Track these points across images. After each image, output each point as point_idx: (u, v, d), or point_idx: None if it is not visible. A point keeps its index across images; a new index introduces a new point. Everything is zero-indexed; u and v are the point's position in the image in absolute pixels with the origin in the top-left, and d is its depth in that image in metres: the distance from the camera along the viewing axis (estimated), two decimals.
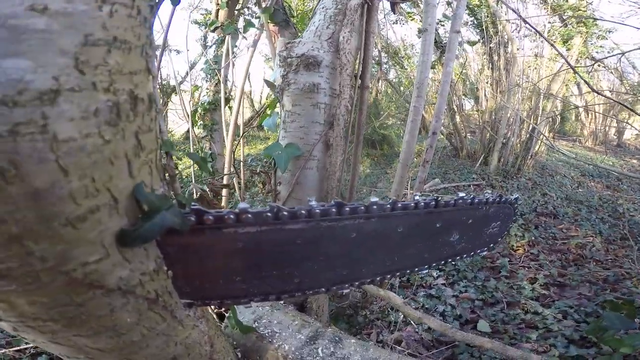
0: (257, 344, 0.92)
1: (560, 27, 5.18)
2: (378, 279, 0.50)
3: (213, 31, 2.17)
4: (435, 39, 3.86)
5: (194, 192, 0.94)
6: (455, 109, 6.12)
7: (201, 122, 2.51)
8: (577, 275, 2.50)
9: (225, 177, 1.54)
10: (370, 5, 1.01)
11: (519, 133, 5.04)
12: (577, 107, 6.65)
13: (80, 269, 0.32)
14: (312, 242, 0.42)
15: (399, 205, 0.45)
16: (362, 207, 0.43)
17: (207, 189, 1.00)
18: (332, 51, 0.95)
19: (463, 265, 2.65)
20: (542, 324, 2.01)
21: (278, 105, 1.03)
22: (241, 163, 1.45)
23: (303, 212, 0.41)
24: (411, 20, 6.63)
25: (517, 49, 5.02)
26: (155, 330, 0.42)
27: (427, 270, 0.55)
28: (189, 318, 0.47)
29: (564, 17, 5.01)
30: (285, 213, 0.40)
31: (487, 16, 5.17)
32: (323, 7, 1.01)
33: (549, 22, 5.31)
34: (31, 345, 1.39)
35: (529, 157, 5.02)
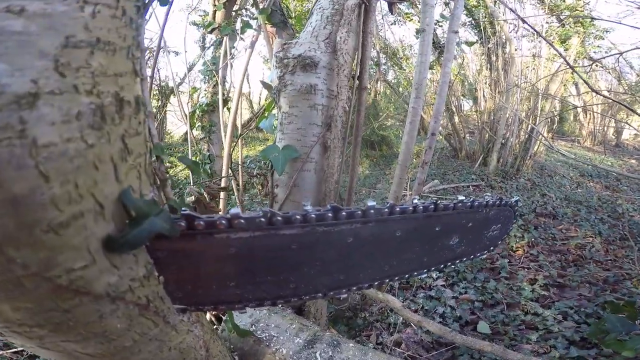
0: (255, 348, 0.91)
1: (558, 27, 5.19)
2: (376, 283, 0.49)
3: (210, 32, 2.16)
4: (433, 39, 3.86)
5: (192, 195, 0.93)
6: (454, 109, 6.13)
7: (199, 123, 2.50)
8: (577, 276, 2.50)
9: (222, 180, 1.53)
10: (368, 5, 1.00)
11: (517, 133, 5.04)
12: (575, 107, 6.66)
13: (65, 275, 0.31)
14: (307, 248, 0.42)
15: (397, 209, 0.44)
16: (359, 212, 0.42)
17: (204, 192, 0.99)
18: (329, 52, 0.94)
19: (462, 267, 2.64)
20: (542, 325, 2.00)
21: (275, 106, 1.03)
22: (239, 166, 1.44)
23: (298, 217, 0.40)
24: (409, 21, 6.64)
25: (515, 50, 5.03)
26: (147, 335, 0.41)
27: (426, 274, 0.54)
28: (183, 323, 0.47)
29: (562, 17, 5.02)
30: (279, 218, 0.39)
31: (485, 17, 5.18)
32: (320, 8, 1.00)
33: (547, 23, 5.32)
34: None
35: (528, 157, 5.02)
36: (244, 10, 1.94)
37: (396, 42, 8.04)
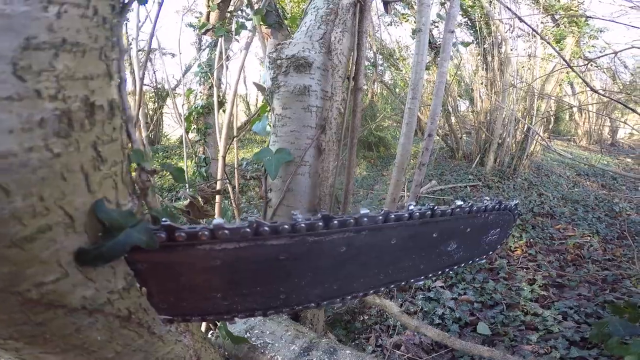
0: (249, 355, 0.89)
1: (553, 27, 5.21)
2: (371, 292, 0.48)
3: (204, 34, 2.14)
4: (429, 39, 3.86)
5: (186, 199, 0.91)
6: (451, 110, 6.13)
7: (195, 126, 2.48)
8: (576, 275, 2.49)
9: (218, 183, 1.51)
10: (363, 4, 0.98)
11: (514, 133, 5.05)
12: (571, 106, 6.69)
13: (35, 289, 0.30)
14: (297, 258, 0.40)
15: (392, 216, 0.42)
16: (352, 220, 0.40)
17: (198, 196, 0.97)
18: (324, 52, 0.92)
19: (460, 268, 2.63)
20: (542, 326, 1.99)
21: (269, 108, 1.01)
22: (235, 169, 1.42)
23: (286, 227, 0.38)
24: (405, 21, 6.65)
25: (511, 50, 5.04)
26: (131, 346, 0.41)
27: (423, 281, 0.52)
28: (171, 333, 0.46)
29: (556, 18, 5.04)
30: (266, 229, 0.38)
31: (481, 17, 5.19)
32: (314, 7, 0.99)
33: (542, 23, 5.34)
34: None
35: (525, 157, 5.03)
36: (239, 12, 1.92)
37: (393, 42, 8.05)
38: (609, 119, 8.26)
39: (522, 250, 2.91)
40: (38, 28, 0.25)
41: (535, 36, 4.89)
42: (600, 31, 4.89)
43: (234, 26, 1.70)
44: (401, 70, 7.15)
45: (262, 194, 0.94)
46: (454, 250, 0.50)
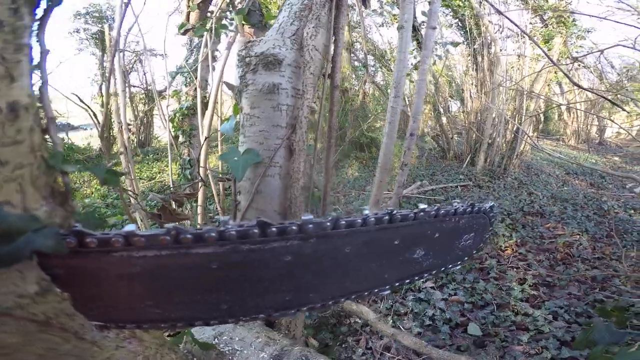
0: None
1: (542, 27, 5.27)
2: (330, 302, 0.45)
3: (184, 34, 2.09)
4: (418, 39, 3.86)
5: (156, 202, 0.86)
6: (442, 110, 6.15)
7: (180, 127, 2.42)
8: (566, 274, 2.49)
9: (198, 185, 1.46)
10: None
11: (504, 133, 5.08)
12: (559, 105, 6.77)
13: None
14: (232, 267, 0.38)
15: (343, 223, 0.39)
16: (294, 227, 0.37)
17: (171, 199, 0.92)
18: (296, 49, 0.88)
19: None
20: (533, 326, 1.97)
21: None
22: (208, 171, 1.37)
23: (213, 234, 0.36)
24: (397, 22, 6.65)
25: (500, 50, 5.07)
26: (57, 351, 0.41)
27: (389, 291, 0.49)
28: (109, 339, 0.45)
29: (545, 18, 5.09)
30: (188, 236, 0.35)
31: (471, 17, 5.22)
32: (289, 4, 0.95)
33: (531, 23, 5.39)
34: None
35: (515, 156, 5.06)
36: (221, 12, 1.88)
37: (384, 44, 8.06)
38: (596, 118, 8.39)
39: (513, 249, 2.91)
40: None
41: (524, 36, 4.93)
42: (588, 31, 4.95)
43: (213, 26, 1.65)
44: (392, 71, 7.16)
45: (233, 196, 0.90)
46: (421, 257, 0.47)
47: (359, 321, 2.19)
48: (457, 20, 5.67)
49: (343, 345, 1.93)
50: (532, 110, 5.10)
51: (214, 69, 2.18)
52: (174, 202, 0.90)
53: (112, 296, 0.39)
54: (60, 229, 0.36)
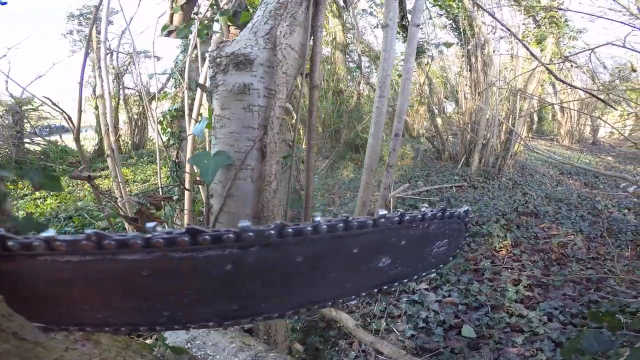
0: None
1: (534, 28, 5.29)
2: (289, 312, 0.42)
3: (167, 35, 2.06)
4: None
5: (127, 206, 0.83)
6: (436, 111, 6.15)
7: (169, 129, 2.37)
8: (560, 275, 2.47)
9: (190, 187, 1.43)
10: None
11: (498, 134, 5.09)
12: (552, 104, 6.80)
13: None
14: (164, 275, 0.36)
15: (289, 230, 0.36)
16: (231, 235, 0.35)
17: (147, 202, 0.89)
18: (269, 48, 0.85)
19: (445, 269, 2.59)
20: (527, 327, 1.95)
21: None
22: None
23: (138, 241, 0.33)
24: None
25: (494, 51, 5.09)
26: None
27: (355, 301, 0.46)
28: (56, 341, 0.46)
29: (537, 19, 5.11)
30: (111, 242, 0.33)
31: (464, 19, 5.23)
32: (264, 3, 0.92)
33: (523, 24, 5.42)
34: None
35: (509, 157, 5.07)
36: (206, 18, 1.85)
37: (379, 45, 8.07)
38: (589, 118, 8.44)
39: (507, 250, 2.90)
40: None
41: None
42: (580, 32, 4.98)
43: (196, 28, 1.62)
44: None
45: (205, 199, 0.86)
46: (387, 266, 0.44)
47: (357, 320, 2.16)
48: (451, 21, 5.68)
49: (335, 349, 1.89)
50: (525, 110, 5.11)
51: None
52: (151, 206, 0.87)
53: (45, 299, 0.38)
54: None
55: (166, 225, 1.83)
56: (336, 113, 6.66)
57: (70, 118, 1.02)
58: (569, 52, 5.06)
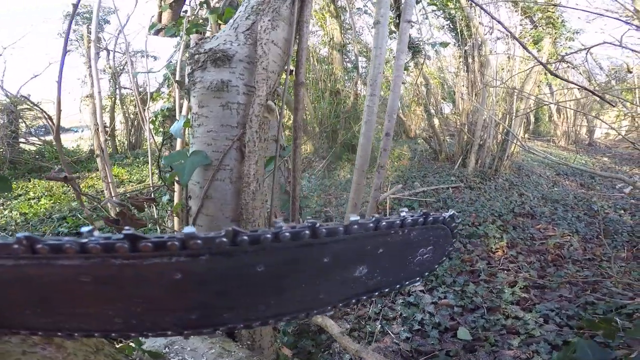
0: None
1: (531, 29, 5.30)
2: (257, 324, 0.39)
3: (156, 34, 2.03)
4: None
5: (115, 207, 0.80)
6: (433, 112, 6.14)
7: (161, 129, 2.34)
8: (557, 276, 2.46)
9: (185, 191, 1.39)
10: None
11: (494, 135, 5.08)
12: (548, 104, 6.81)
13: None
14: (107, 282, 0.33)
15: (244, 239, 0.33)
16: (176, 243, 0.31)
17: (130, 203, 0.86)
18: (249, 44, 0.82)
19: (441, 270, 2.57)
20: (523, 330, 1.93)
21: None
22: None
23: (71, 246, 0.31)
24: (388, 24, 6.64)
25: (491, 52, 5.08)
26: None
27: (331, 311, 0.43)
28: (11, 344, 0.46)
29: (534, 19, 5.12)
30: (45, 247, 0.31)
31: (462, 19, 5.23)
32: None
33: (520, 25, 5.42)
34: None
35: (505, 158, 5.06)
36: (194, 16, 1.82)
37: None
38: (585, 119, 8.47)
39: (503, 251, 2.88)
40: None
41: (513, 38, 4.94)
42: (576, 32, 4.99)
43: (185, 26, 1.59)
44: (384, 73, 7.15)
45: (184, 201, 0.83)
46: (364, 275, 0.40)
47: (348, 326, 2.13)
48: (448, 21, 5.68)
49: (329, 352, 1.87)
50: (522, 110, 5.11)
51: None
52: (133, 207, 0.84)
53: None
54: None
55: (158, 228, 1.80)
56: (333, 113, 6.64)
57: (50, 117, 0.99)
58: (566, 53, 5.06)
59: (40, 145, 7.28)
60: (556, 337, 1.81)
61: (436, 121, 6.16)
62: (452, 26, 5.69)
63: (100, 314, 0.36)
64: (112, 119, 9.10)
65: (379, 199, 1.19)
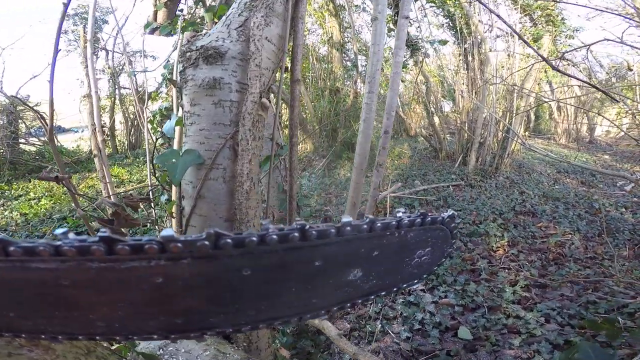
0: None
1: (531, 27, 5.27)
2: (246, 328, 0.38)
3: (151, 33, 2.02)
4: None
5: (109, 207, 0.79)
6: (434, 110, 6.12)
7: (159, 129, 2.33)
8: (558, 275, 2.44)
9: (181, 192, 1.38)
10: None
11: (495, 132, 5.06)
12: (549, 101, 6.79)
13: None
14: (85, 286, 0.32)
15: (228, 242, 0.31)
16: (155, 246, 0.30)
17: (124, 203, 0.84)
18: (242, 40, 0.81)
19: (442, 269, 2.55)
20: (524, 329, 1.92)
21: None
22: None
23: (43, 248, 0.29)
24: (388, 22, 6.63)
25: (490, 49, 5.06)
26: None
27: (325, 316, 0.41)
28: None
29: (534, 17, 5.09)
30: (18, 249, 0.29)
31: (461, 17, 5.20)
32: None
33: (520, 22, 5.39)
34: None
35: (506, 155, 5.04)
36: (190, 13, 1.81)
37: None
38: (586, 117, 8.44)
39: (504, 249, 2.86)
40: None
41: (513, 36, 4.92)
42: (576, 30, 4.96)
43: (180, 24, 1.58)
44: (383, 71, 7.13)
45: (177, 201, 0.82)
46: (360, 279, 0.39)
47: (348, 326, 2.12)
48: (448, 19, 5.66)
49: (329, 352, 1.86)
50: (522, 108, 5.09)
51: None
52: (128, 207, 0.82)
53: None
54: None
55: (157, 229, 1.79)
56: (333, 112, 6.62)
57: (44, 118, 0.98)
58: (566, 50, 5.04)
59: (40, 145, 7.28)
60: (557, 336, 1.80)
61: (436, 119, 6.14)
62: (451, 24, 5.67)
63: (82, 317, 0.35)
64: (112, 118, 9.09)
65: (378, 197, 1.18)
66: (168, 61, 2.73)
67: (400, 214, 0.38)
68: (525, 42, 1.48)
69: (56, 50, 0.92)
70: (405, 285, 0.45)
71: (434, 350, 1.85)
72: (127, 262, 0.30)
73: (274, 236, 0.31)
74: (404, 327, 2.02)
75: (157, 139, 1.87)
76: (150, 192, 1.98)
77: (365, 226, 0.35)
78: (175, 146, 1.40)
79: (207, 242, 0.30)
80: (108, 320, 0.35)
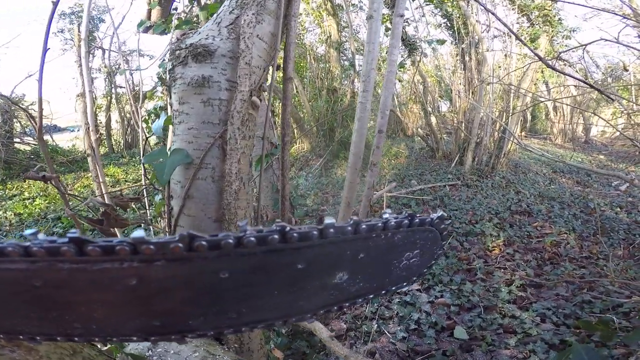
0: None
1: (528, 27, 5.28)
2: (229, 330, 0.37)
3: (145, 32, 2.00)
4: (402, 36, 3.81)
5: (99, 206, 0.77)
6: (430, 110, 6.13)
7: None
8: (553, 274, 2.44)
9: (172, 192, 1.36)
10: None
11: (491, 132, 5.07)
12: (545, 101, 6.81)
13: None
14: (57, 287, 0.32)
15: (202, 244, 0.30)
16: (126, 247, 0.29)
17: (114, 203, 0.83)
18: (232, 38, 0.80)
19: (438, 269, 2.55)
20: (520, 329, 1.92)
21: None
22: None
23: (12, 249, 0.29)
24: (385, 21, 6.63)
25: (487, 49, 5.07)
26: None
27: (312, 319, 0.40)
28: None
29: (531, 17, 5.10)
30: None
31: (459, 17, 5.21)
32: None
33: (517, 23, 5.41)
34: None
35: (502, 155, 5.05)
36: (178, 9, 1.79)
37: None
38: (582, 117, 8.48)
39: (500, 249, 2.87)
40: None
41: (510, 36, 4.93)
42: (573, 31, 4.98)
43: (174, 23, 1.56)
44: (380, 71, 7.13)
45: (165, 200, 0.81)
46: (345, 282, 0.38)
47: (344, 326, 2.11)
48: (445, 19, 5.66)
49: (324, 352, 1.85)
50: (519, 108, 5.10)
51: None
52: (118, 207, 0.81)
53: None
54: None
55: (152, 229, 1.77)
56: (330, 111, 6.62)
57: (32, 117, 0.96)
58: (562, 50, 5.05)
59: (35, 145, 7.22)
60: (553, 336, 1.80)
61: (433, 119, 6.14)
62: (449, 24, 5.68)
63: (58, 318, 0.34)
64: (108, 118, 9.03)
65: (372, 197, 1.17)
66: (163, 60, 2.71)
67: (386, 215, 0.37)
68: (521, 41, 1.47)
69: (45, 49, 0.91)
70: (393, 288, 0.44)
71: (430, 350, 1.85)
72: (99, 263, 0.30)
73: (252, 238, 0.30)
74: (400, 327, 2.01)
75: (147, 138, 1.85)
76: (145, 192, 1.96)
77: (349, 228, 0.34)
78: (168, 146, 1.38)
79: (180, 244, 0.29)
80: (85, 321, 0.34)
